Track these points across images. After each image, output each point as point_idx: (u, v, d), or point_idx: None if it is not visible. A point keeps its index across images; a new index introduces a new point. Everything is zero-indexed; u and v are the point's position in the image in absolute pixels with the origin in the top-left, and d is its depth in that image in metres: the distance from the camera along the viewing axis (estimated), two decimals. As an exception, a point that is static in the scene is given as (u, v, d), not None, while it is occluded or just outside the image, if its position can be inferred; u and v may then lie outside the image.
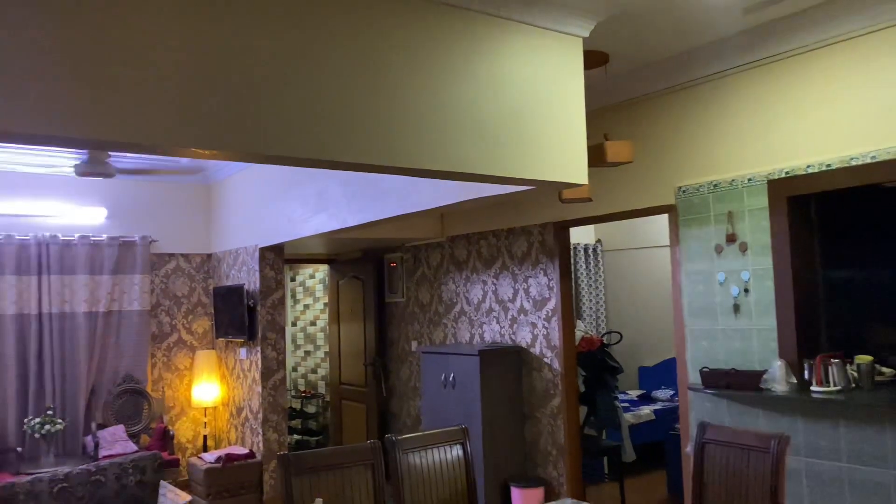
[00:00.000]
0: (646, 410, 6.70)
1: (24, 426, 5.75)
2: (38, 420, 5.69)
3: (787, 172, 3.74)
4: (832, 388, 3.43)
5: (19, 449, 5.84)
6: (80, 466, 3.14)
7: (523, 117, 3.28)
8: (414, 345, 6.56)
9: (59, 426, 5.74)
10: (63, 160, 5.36)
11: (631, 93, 4.49)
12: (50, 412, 5.86)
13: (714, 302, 4.08)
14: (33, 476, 3.00)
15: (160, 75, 2.36)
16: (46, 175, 6.21)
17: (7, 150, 5.65)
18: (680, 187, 4.26)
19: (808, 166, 3.64)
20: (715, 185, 4.08)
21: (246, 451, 6.13)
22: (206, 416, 6.89)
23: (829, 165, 3.56)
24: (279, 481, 6.03)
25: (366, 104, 2.79)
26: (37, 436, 5.68)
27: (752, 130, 3.91)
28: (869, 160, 3.40)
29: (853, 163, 3.46)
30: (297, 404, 8.46)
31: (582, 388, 5.44)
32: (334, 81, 2.72)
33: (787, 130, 3.76)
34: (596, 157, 3.72)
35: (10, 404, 5.99)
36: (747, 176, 3.91)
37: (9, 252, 6.07)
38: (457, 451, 3.01)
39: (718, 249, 4.05)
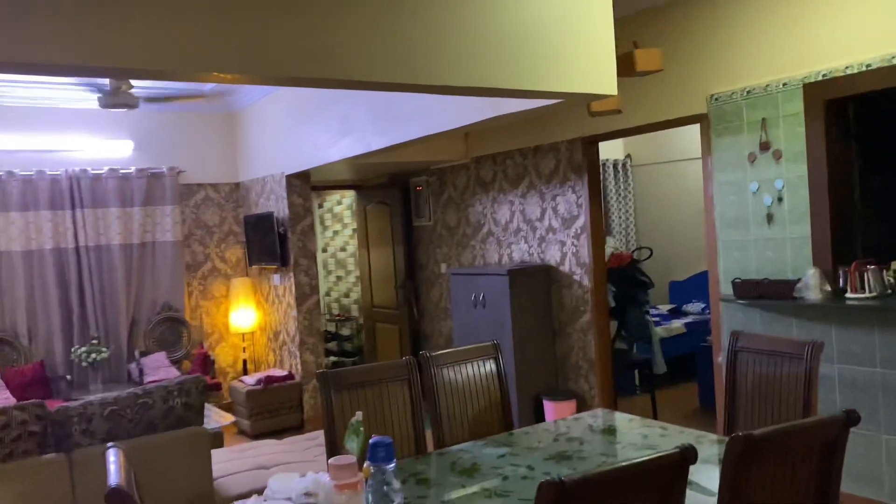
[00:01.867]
0: (677, 324, 6.73)
1: (72, 355, 5.97)
2: (84, 349, 5.90)
3: (824, 75, 3.59)
4: (867, 295, 3.40)
5: (68, 377, 6.09)
6: (129, 390, 3.26)
7: (548, 27, 3.17)
8: (443, 267, 6.60)
9: (104, 354, 5.95)
10: (87, 94, 5.35)
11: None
12: (94, 341, 6.07)
13: (746, 212, 4.01)
14: (85, 400, 3.12)
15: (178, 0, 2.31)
16: (72, 109, 6.23)
17: (33, 86, 5.66)
18: (712, 95, 4.14)
19: (847, 67, 3.50)
20: (748, 92, 3.95)
21: (285, 373, 6.32)
22: (244, 341, 7.07)
23: (868, 65, 3.41)
24: (319, 399, 6.24)
25: (387, 21, 2.72)
26: (84, 364, 5.90)
27: (788, 32, 3.75)
28: (912, 58, 3.25)
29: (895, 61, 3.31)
30: (332, 327, 8.64)
31: (612, 304, 5.46)
32: None
33: (824, 30, 3.60)
34: (625, 66, 3.60)
35: (56, 335, 6.20)
36: (782, 80, 3.78)
37: (42, 187, 6.16)
38: (489, 365, 3.07)
39: (751, 158, 3.96)
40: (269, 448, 4.21)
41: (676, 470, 1.57)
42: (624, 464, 1.66)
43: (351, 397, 2.66)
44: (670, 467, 1.56)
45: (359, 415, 2.11)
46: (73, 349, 6.00)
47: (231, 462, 3.83)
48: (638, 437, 2.75)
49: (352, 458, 1.72)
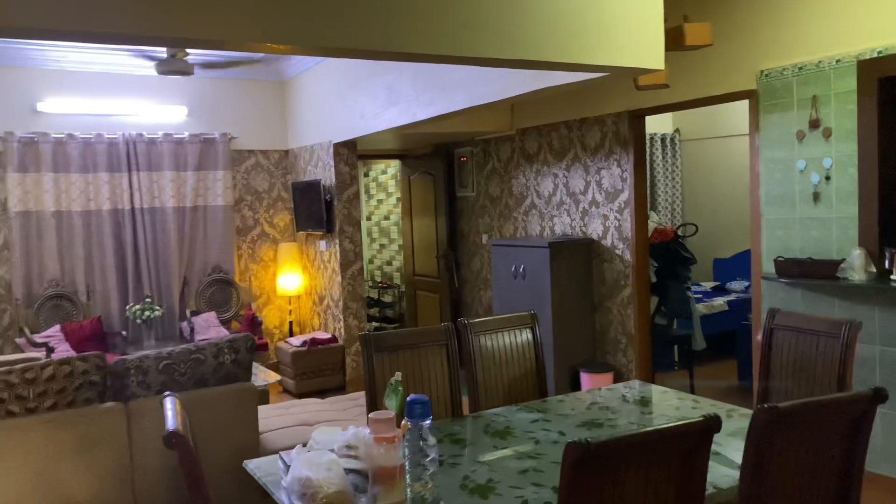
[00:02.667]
0: (719, 301, 6.69)
1: (126, 312, 6.24)
2: (138, 307, 6.16)
3: (879, 52, 3.52)
4: (913, 277, 3.36)
5: (123, 333, 6.37)
6: (182, 346, 3.43)
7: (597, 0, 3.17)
8: (484, 238, 6.67)
9: (157, 312, 6.20)
10: (143, 60, 5.53)
11: (713, -30, 4.24)
12: (148, 300, 6.32)
13: (793, 190, 3.98)
14: (142, 353, 3.30)
15: None
16: (129, 75, 6.43)
17: (91, 52, 5.85)
18: (762, 71, 4.08)
19: (904, 44, 3.42)
20: (800, 68, 3.88)
21: (329, 335, 6.50)
22: (290, 304, 7.28)
23: (926, 43, 3.33)
24: (361, 361, 6.42)
25: None
26: (138, 321, 6.16)
27: (843, 7, 3.67)
28: (972, 36, 3.17)
29: (954, 39, 3.23)
30: (374, 294, 8.81)
31: (653, 279, 5.46)
32: None
33: (881, 6, 3.51)
34: (673, 40, 3.58)
35: (112, 293, 6.48)
36: (835, 57, 3.71)
37: (101, 150, 6.40)
38: (526, 334, 3.14)
39: (800, 136, 3.91)
40: (312, 406, 4.37)
41: (700, 438, 1.63)
42: (648, 429, 1.72)
43: (391, 359, 2.77)
44: (693, 435, 1.62)
45: (398, 375, 2.21)
46: (128, 306, 6.27)
47: (276, 418, 4.00)
48: (670, 408, 2.80)
49: (391, 414, 1.82)
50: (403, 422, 1.85)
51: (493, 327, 3.07)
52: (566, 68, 3.33)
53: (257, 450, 3.41)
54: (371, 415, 1.80)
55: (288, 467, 2.06)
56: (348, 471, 1.94)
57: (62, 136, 6.24)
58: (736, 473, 1.94)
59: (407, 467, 1.80)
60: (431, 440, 1.78)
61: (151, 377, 3.26)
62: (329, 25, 2.59)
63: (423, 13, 2.74)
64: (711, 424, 1.63)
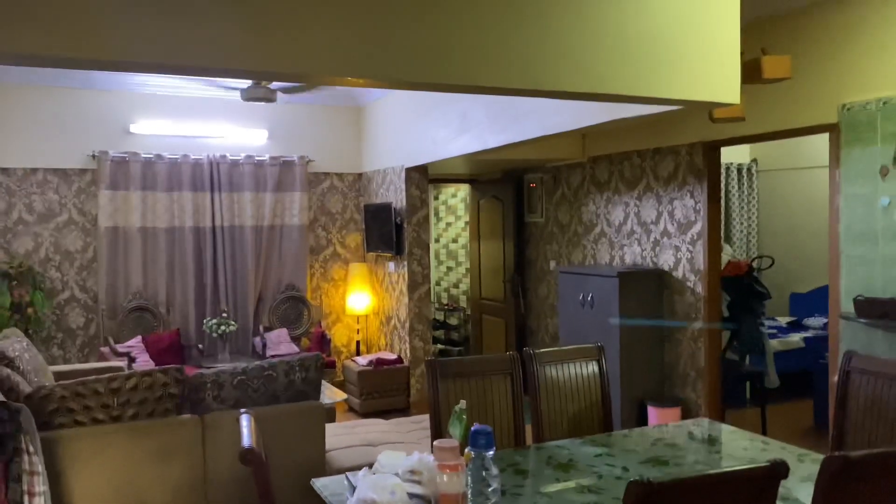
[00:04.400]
0: (795, 338, 6.47)
1: (203, 326, 6.49)
2: (214, 321, 6.40)
3: (971, 87, 3.39)
4: None
5: (200, 346, 6.63)
6: (256, 363, 3.56)
7: (672, 33, 3.17)
8: (552, 264, 6.66)
9: (232, 327, 6.43)
10: (228, 85, 5.80)
11: (792, 2, 4.17)
12: (224, 315, 6.57)
13: (875, 227, 3.84)
14: (218, 369, 3.45)
15: (314, 8, 2.49)
16: (214, 98, 6.75)
17: (179, 77, 6.17)
18: (844, 104, 3.98)
19: None
20: (884, 103, 3.77)
21: (395, 356, 6.60)
22: (358, 323, 7.43)
23: None
24: (426, 384, 6.48)
25: (509, 28, 2.82)
26: (214, 335, 6.41)
27: (933, 40, 3.56)
28: None
29: None
30: (440, 316, 8.88)
31: (726, 313, 5.34)
32: (478, 6, 2.76)
33: (975, 40, 3.39)
34: (751, 73, 3.54)
35: (190, 307, 6.76)
36: (923, 91, 3.59)
37: (185, 171, 6.72)
38: (592, 366, 3.13)
39: (883, 172, 3.78)
40: (376, 427, 4.45)
41: (765, 483, 1.61)
42: (712, 472, 1.71)
43: (456, 385, 2.81)
44: (759, 480, 1.60)
45: (462, 403, 2.25)
46: (205, 320, 6.52)
47: (341, 437, 4.09)
48: (738, 449, 2.74)
49: (455, 442, 1.86)
50: (467, 450, 1.89)
51: (558, 358, 3.08)
52: (638, 101, 3.34)
53: (323, 467, 3.50)
54: (436, 442, 1.84)
55: (353, 488, 2.12)
56: (411, 495, 1.99)
57: (151, 156, 6.59)
58: (805, 521, 1.90)
59: (469, 496, 1.83)
60: (494, 470, 1.81)
61: (226, 392, 3.40)
62: (405, 60, 2.66)
63: (495, 48, 2.80)
64: (778, 470, 1.60)
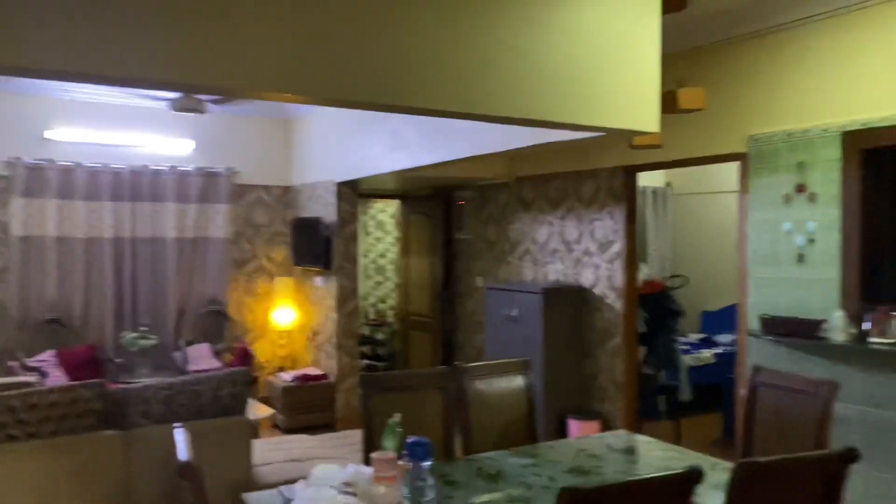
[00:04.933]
0: (706, 353, 6.80)
1: (122, 341, 6.30)
2: (133, 335, 6.22)
3: (862, 124, 3.71)
4: (891, 340, 3.49)
5: (118, 360, 6.41)
6: (182, 377, 3.51)
7: (597, 64, 3.34)
8: (479, 280, 6.79)
9: (152, 341, 6.26)
10: (154, 95, 5.69)
11: (707, 38, 4.45)
12: (144, 328, 6.39)
13: (779, 250, 4.13)
14: (143, 383, 3.38)
15: (244, 22, 2.48)
16: (138, 107, 6.59)
17: (103, 85, 6.01)
18: (752, 136, 4.27)
19: (885, 119, 3.61)
20: (788, 135, 4.07)
21: (320, 372, 6.56)
22: (282, 338, 7.35)
23: (907, 118, 3.52)
24: (352, 400, 6.48)
25: (442, 52, 2.88)
26: (132, 349, 6.22)
27: (830, 80, 3.87)
28: (949, 114, 3.36)
29: (932, 117, 3.42)
30: (367, 331, 8.88)
31: (643, 329, 5.58)
32: (412, 29, 2.81)
33: (865, 81, 3.72)
34: (668, 103, 3.75)
35: (108, 320, 6.54)
36: (822, 126, 3.90)
37: (106, 180, 6.52)
38: (519, 380, 3.24)
39: (787, 199, 4.08)
40: (303, 443, 4.43)
41: (682, 488, 1.73)
42: (636, 478, 1.83)
43: (388, 400, 2.86)
44: (677, 485, 1.73)
45: (397, 416, 2.31)
46: (123, 334, 6.32)
47: (268, 453, 4.06)
48: (655, 458, 2.90)
49: (393, 454, 1.92)
50: (402, 461, 1.95)
51: (487, 372, 3.18)
52: (564, 127, 3.48)
53: (249, 483, 3.47)
54: (374, 454, 1.90)
55: (287, 501, 2.14)
56: (347, 507, 2.03)
57: (69, 163, 6.37)
58: (716, 524, 2.04)
59: (405, 506, 1.89)
60: (431, 481, 1.88)
61: (152, 407, 3.34)
62: (340, 79, 2.67)
63: (426, 70, 2.84)
64: (694, 475, 1.73)
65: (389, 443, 2.37)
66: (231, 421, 3.52)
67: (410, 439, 1.89)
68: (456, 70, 2.94)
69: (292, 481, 2.49)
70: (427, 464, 1.87)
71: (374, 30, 2.74)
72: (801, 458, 1.96)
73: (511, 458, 2.85)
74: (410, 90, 2.85)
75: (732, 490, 1.82)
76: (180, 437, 2.11)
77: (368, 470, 2.15)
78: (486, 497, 2.42)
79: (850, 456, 1.90)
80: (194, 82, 2.50)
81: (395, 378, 2.98)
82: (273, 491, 2.36)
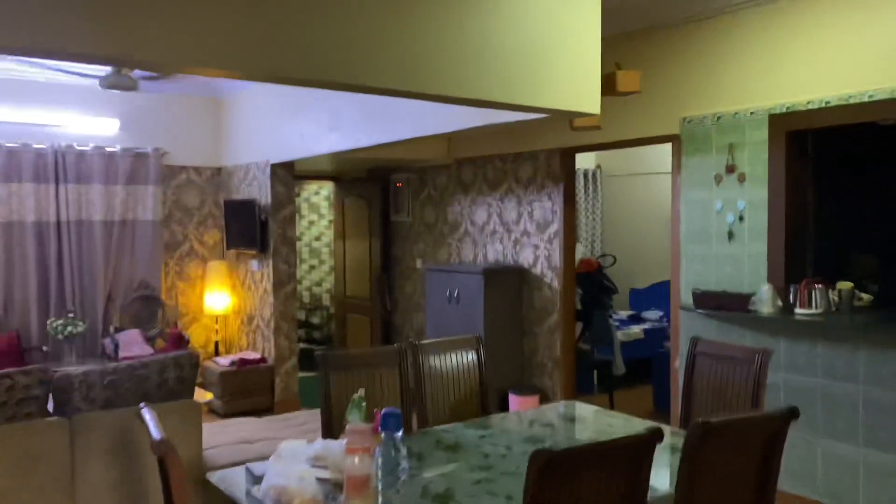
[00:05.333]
0: (635, 329, 7.07)
1: (47, 327, 6.05)
2: (60, 322, 5.98)
3: (788, 108, 3.93)
4: (814, 311, 3.74)
5: (44, 348, 6.17)
6: (127, 361, 3.43)
7: (541, 46, 3.41)
8: (419, 262, 6.84)
9: (80, 328, 6.04)
10: (81, 71, 5.45)
11: (643, 22, 4.60)
12: (71, 315, 6.15)
13: (710, 229, 4.34)
14: (86, 368, 3.29)
15: None
16: (60, 84, 6.29)
17: (25, 60, 5.71)
18: (685, 118, 4.46)
19: (809, 103, 3.84)
20: (718, 118, 4.27)
21: (258, 356, 6.49)
22: (217, 323, 7.21)
23: (827, 102, 3.76)
24: (290, 383, 6.42)
25: (387, 30, 2.85)
26: (59, 337, 5.99)
27: (758, 65, 4.08)
28: (866, 99, 3.60)
29: (851, 101, 3.66)
30: (302, 315, 8.80)
31: (578, 307, 5.76)
32: (357, 5, 2.77)
33: (791, 67, 3.94)
34: (607, 86, 3.87)
35: (32, 306, 6.26)
36: (750, 109, 4.11)
37: (27, 160, 6.22)
38: (471, 355, 3.32)
39: (718, 179, 4.29)
40: (249, 425, 4.39)
41: (646, 447, 1.84)
42: (603, 440, 1.93)
43: (347, 377, 2.88)
44: (640, 445, 1.84)
45: (361, 391, 2.34)
46: (49, 321, 6.08)
47: (214, 436, 4.01)
48: (603, 425, 3.04)
49: (366, 426, 1.95)
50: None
51: (441, 349, 3.24)
52: (508, 108, 3.54)
53: (201, 466, 3.43)
54: (348, 426, 1.93)
55: (255, 478, 2.15)
56: (319, 480, 2.05)
57: (-14, 143, 6.04)
58: (667, 480, 2.18)
59: (380, 476, 1.93)
60: (403, 450, 1.92)
61: (96, 392, 3.25)
62: (276, 54, 2.61)
63: (367, 46, 2.80)
64: (655, 435, 1.84)
65: (354, 417, 2.40)
66: (179, 404, 3.46)
67: (383, 410, 1.93)
68: (400, 47, 2.91)
69: (251, 461, 2.49)
70: (399, 433, 1.92)
71: (314, 3, 2.66)
72: (751, 418, 2.11)
73: (467, 429, 2.93)
74: (352, 67, 2.79)
75: (688, 448, 1.94)
76: (148, 415, 2.08)
77: (337, 444, 2.18)
78: (449, 467, 2.48)
79: (793, 414, 2.06)
80: (125, 56, 2.40)
81: (353, 356, 3.01)
82: (239, 468, 2.35)
